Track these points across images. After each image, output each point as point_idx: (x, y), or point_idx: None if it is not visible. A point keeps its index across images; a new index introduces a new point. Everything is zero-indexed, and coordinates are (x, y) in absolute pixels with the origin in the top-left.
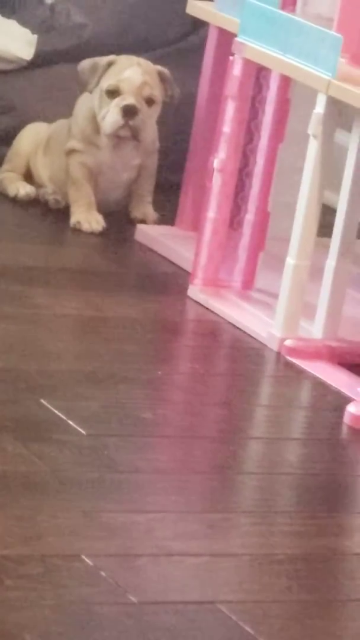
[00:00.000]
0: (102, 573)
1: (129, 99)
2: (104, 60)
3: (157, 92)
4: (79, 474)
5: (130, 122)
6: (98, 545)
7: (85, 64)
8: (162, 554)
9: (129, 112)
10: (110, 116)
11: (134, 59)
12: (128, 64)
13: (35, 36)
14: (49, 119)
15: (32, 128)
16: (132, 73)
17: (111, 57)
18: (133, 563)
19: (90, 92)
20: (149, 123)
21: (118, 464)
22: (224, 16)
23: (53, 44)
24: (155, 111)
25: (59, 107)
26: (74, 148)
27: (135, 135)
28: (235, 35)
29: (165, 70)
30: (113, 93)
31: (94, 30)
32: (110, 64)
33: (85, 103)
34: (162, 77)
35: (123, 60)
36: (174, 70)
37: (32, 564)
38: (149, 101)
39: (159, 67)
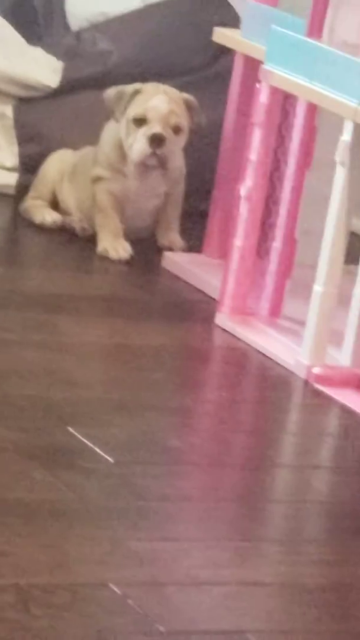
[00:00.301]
0: (130, 602)
1: (156, 128)
2: (130, 88)
3: (184, 120)
4: (107, 502)
5: (158, 151)
6: (126, 573)
7: (111, 92)
8: (190, 583)
9: (156, 141)
10: (138, 145)
11: (160, 87)
12: (154, 92)
13: (61, 63)
14: (74, 146)
15: (57, 155)
16: (158, 102)
17: (137, 85)
18: (161, 592)
19: (117, 120)
20: (176, 151)
21: (146, 492)
22: (250, 43)
23: (79, 71)
24: (182, 139)
25: (84, 134)
26: (100, 175)
27: (162, 164)
28: (262, 63)
29: (191, 98)
30: (140, 122)
31: (120, 58)
32: (136, 92)
33: (111, 130)
34: (188, 105)
35: (149, 88)
36: (200, 98)
37: (59, 592)
38: (176, 129)
39: (185, 95)
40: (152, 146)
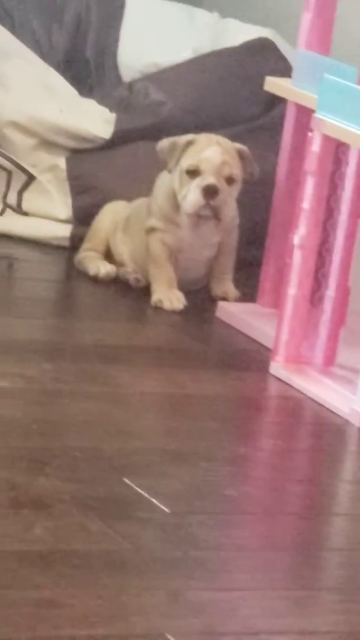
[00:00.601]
0: None
1: (209, 179)
2: (183, 139)
3: (237, 171)
4: (163, 552)
5: (211, 202)
6: (183, 623)
7: (164, 143)
8: (248, 633)
9: (209, 192)
10: (191, 196)
11: (213, 137)
12: (207, 143)
13: (114, 115)
14: (128, 197)
15: (111, 207)
16: (211, 153)
17: (190, 136)
18: None
19: (170, 171)
20: (229, 202)
21: (202, 542)
22: (301, 92)
23: (131, 122)
24: (235, 189)
25: (137, 185)
26: (153, 226)
27: (216, 215)
28: (314, 111)
29: (244, 148)
30: (193, 173)
31: (172, 108)
32: (189, 144)
33: (164, 181)
34: (241, 155)
35: (202, 139)
36: (252, 147)
37: None
38: (229, 180)
39: (238, 145)
40: (206, 197)
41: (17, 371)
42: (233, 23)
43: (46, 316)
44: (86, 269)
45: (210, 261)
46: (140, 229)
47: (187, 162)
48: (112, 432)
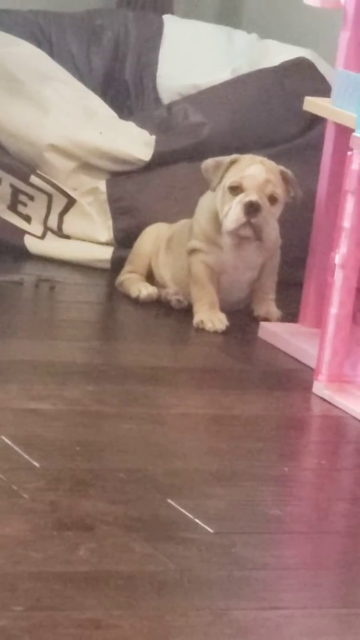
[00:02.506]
0: None
1: (251, 196)
2: (227, 158)
3: (280, 191)
4: (208, 572)
5: (253, 220)
6: None
7: (208, 162)
8: None
9: (251, 209)
10: (233, 213)
11: (257, 157)
12: (251, 161)
13: (154, 137)
14: (168, 219)
15: (153, 229)
16: (255, 170)
17: (235, 156)
18: None
19: (214, 190)
20: (271, 221)
21: (246, 562)
22: (341, 111)
23: (171, 144)
24: (277, 209)
25: (178, 206)
26: (195, 247)
27: (257, 234)
28: (353, 130)
29: (288, 171)
30: (236, 189)
31: (212, 129)
32: (233, 162)
33: (207, 203)
34: (284, 177)
35: (246, 158)
36: (292, 167)
37: None
38: (272, 199)
39: (282, 167)
40: (247, 215)
41: (60, 393)
42: (271, 43)
43: (88, 338)
44: (128, 291)
45: (252, 282)
46: (182, 251)
47: (230, 179)
48: (155, 453)
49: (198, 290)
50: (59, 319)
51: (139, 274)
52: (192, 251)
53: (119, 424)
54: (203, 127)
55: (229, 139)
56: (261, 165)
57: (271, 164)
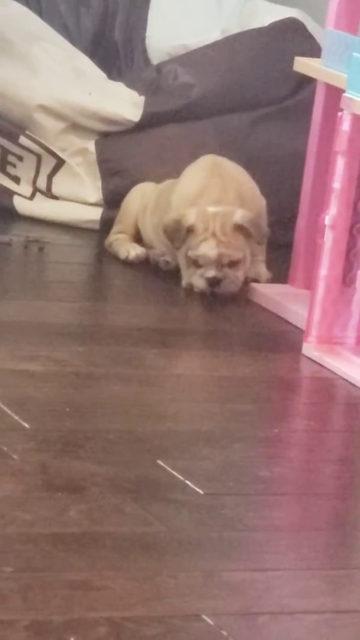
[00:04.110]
0: (223, 632)
1: (210, 272)
2: (185, 223)
3: (238, 253)
4: (198, 533)
5: (216, 289)
6: (218, 604)
7: (168, 224)
8: (283, 612)
9: (213, 283)
10: (197, 282)
11: (210, 226)
12: (203, 235)
13: (143, 98)
14: (157, 180)
15: (139, 188)
16: (206, 248)
17: (191, 220)
18: (254, 622)
19: (177, 249)
20: (238, 277)
21: (236, 523)
22: (331, 72)
23: (160, 105)
24: (242, 266)
25: (167, 167)
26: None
27: (224, 294)
28: (344, 91)
29: (244, 221)
30: (195, 262)
31: (201, 90)
32: (190, 230)
33: (191, 175)
34: (243, 231)
35: (200, 227)
36: (282, 128)
37: (152, 625)
38: (232, 264)
39: (237, 219)
40: (210, 286)
41: (50, 354)
42: (261, 3)
43: (78, 299)
44: (116, 253)
45: None
46: (167, 212)
47: (188, 251)
48: (145, 414)
49: (184, 254)
50: (48, 280)
51: (128, 234)
52: None
53: (109, 385)
54: (192, 88)
55: (218, 100)
56: (213, 240)
57: (226, 225)
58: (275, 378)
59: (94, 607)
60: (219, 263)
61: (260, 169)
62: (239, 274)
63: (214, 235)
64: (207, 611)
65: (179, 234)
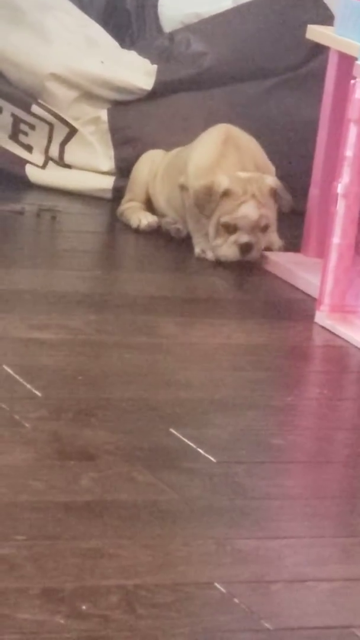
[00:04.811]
0: (236, 600)
1: (245, 237)
2: (219, 189)
3: (272, 215)
4: (210, 501)
5: (247, 257)
6: (230, 572)
7: (199, 190)
8: (296, 580)
9: (246, 249)
10: (228, 251)
11: (249, 190)
12: (243, 197)
13: (155, 66)
14: (169, 149)
15: (148, 156)
16: (248, 209)
17: (225, 185)
18: (266, 589)
19: (208, 217)
20: (262, 243)
21: (249, 491)
22: (344, 40)
23: (173, 74)
24: (271, 230)
25: (179, 136)
26: (184, 184)
27: (249, 260)
28: (356, 59)
29: (277, 186)
30: (229, 227)
31: (214, 59)
32: (225, 195)
33: (206, 144)
34: (273, 194)
35: (238, 190)
36: (295, 96)
37: (164, 592)
38: (264, 228)
39: (271, 183)
40: (243, 254)
41: (62, 323)
42: None
43: (90, 268)
44: (128, 221)
45: None
46: (177, 180)
47: (224, 217)
48: (157, 382)
49: (195, 223)
50: (61, 249)
51: (139, 202)
52: (183, 187)
53: (121, 354)
54: (205, 57)
55: (230, 69)
56: (253, 201)
57: (262, 189)
58: (288, 346)
59: (106, 574)
60: (257, 226)
61: (273, 138)
62: (264, 242)
63: (253, 196)
64: (219, 579)
65: (211, 200)
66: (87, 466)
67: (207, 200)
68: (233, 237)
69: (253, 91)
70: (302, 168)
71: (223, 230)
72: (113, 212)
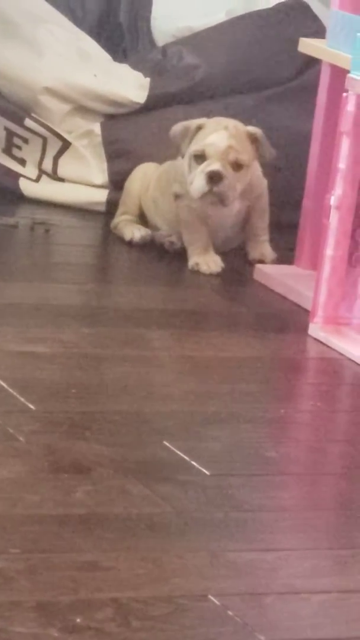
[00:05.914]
0: (230, 612)
1: (213, 165)
2: (194, 123)
3: (245, 156)
4: (204, 514)
5: (215, 189)
6: (225, 584)
7: (177, 127)
8: (290, 592)
9: (213, 178)
10: (196, 182)
11: (222, 122)
12: (215, 128)
13: (148, 79)
14: (163, 161)
15: (140, 169)
16: (217, 137)
17: (201, 121)
18: (260, 602)
19: (182, 156)
20: (236, 187)
21: (242, 503)
22: (336, 53)
23: (165, 87)
24: (243, 175)
25: (172, 149)
26: (178, 193)
27: (221, 201)
28: (348, 72)
29: (256, 131)
30: (199, 158)
31: (207, 72)
32: (199, 128)
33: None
34: (252, 139)
35: (211, 124)
36: (287, 109)
37: (159, 605)
38: (236, 165)
39: (250, 129)
40: (210, 183)
41: (55, 336)
42: None
43: (83, 281)
44: (122, 234)
45: (240, 222)
46: (169, 192)
47: (194, 146)
48: (151, 395)
49: (190, 234)
50: (54, 262)
51: (132, 215)
52: (177, 196)
53: (115, 367)
54: (198, 70)
55: (223, 82)
56: (224, 131)
57: (238, 127)
58: (282, 359)
59: (100, 587)
60: (225, 157)
61: None
62: (239, 186)
63: (226, 128)
64: (213, 591)
65: (187, 135)
66: (81, 479)
67: (183, 136)
68: (201, 166)
69: (246, 104)
70: (295, 180)
71: (194, 163)
72: (107, 225)
